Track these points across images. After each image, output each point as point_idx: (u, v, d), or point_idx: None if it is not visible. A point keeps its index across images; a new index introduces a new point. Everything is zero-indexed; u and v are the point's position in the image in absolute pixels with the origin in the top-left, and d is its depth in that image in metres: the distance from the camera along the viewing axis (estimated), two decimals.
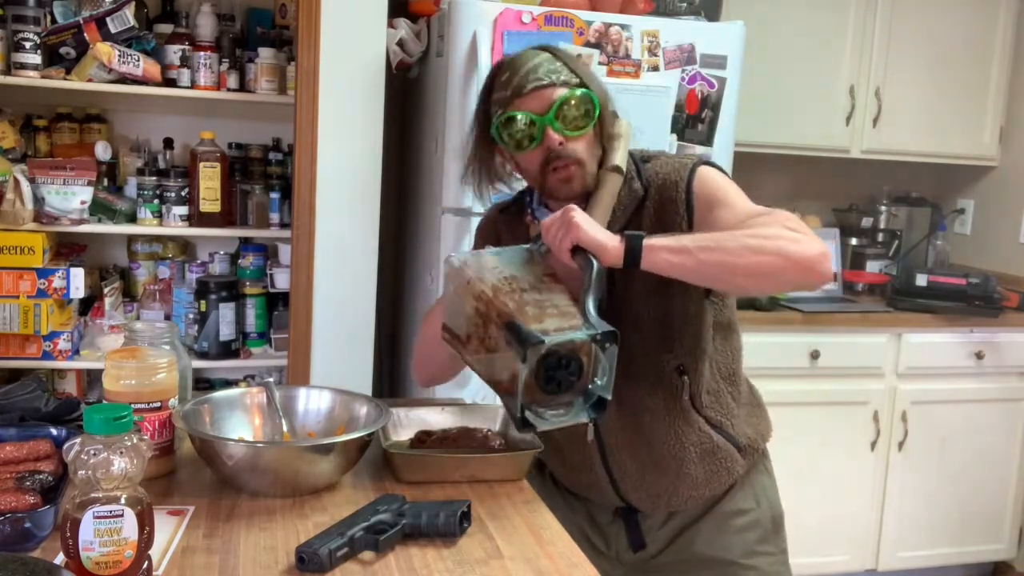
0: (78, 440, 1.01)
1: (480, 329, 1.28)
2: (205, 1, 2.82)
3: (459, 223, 2.47)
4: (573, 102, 1.40)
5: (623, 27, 2.48)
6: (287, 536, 1.22)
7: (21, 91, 2.71)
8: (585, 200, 1.42)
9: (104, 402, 1.35)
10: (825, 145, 3.31)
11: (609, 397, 1.26)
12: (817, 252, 1.28)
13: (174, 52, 2.78)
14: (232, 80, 2.82)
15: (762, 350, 2.79)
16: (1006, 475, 3.28)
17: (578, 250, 1.29)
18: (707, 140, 2.60)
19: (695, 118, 2.58)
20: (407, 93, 3.00)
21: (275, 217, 2.91)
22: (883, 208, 3.61)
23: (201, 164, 2.79)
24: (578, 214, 1.30)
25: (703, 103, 2.58)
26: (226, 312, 2.87)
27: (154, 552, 1.07)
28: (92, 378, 2.87)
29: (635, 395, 1.46)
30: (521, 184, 1.58)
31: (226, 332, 2.88)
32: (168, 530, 1.21)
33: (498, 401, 1.34)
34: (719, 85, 2.58)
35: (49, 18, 2.69)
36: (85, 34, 2.63)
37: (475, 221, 1.85)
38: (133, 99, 2.82)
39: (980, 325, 3.14)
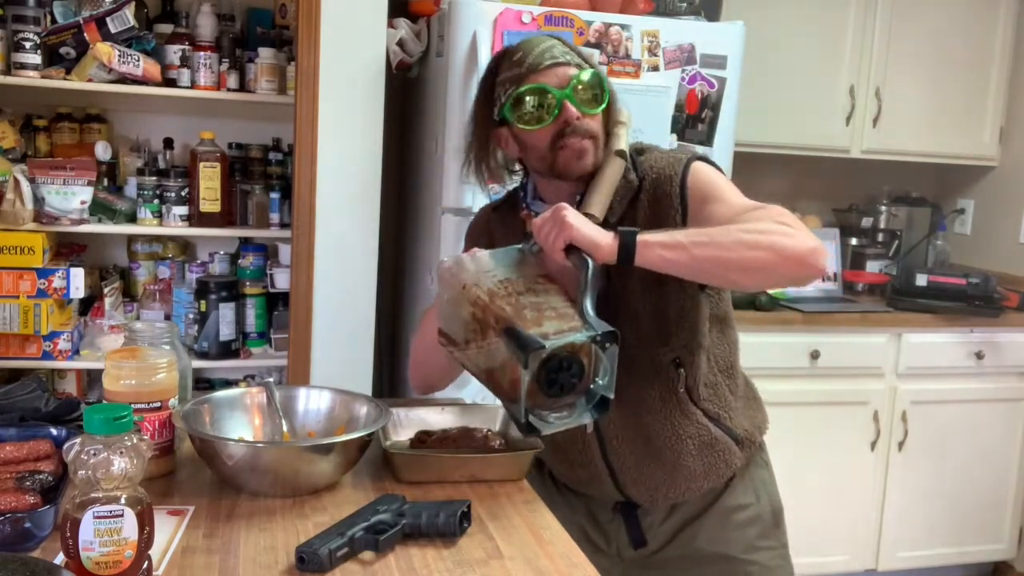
0: (78, 440, 1.01)
1: (478, 335, 1.27)
2: (205, 1, 2.82)
3: (459, 223, 2.47)
4: (589, 80, 1.42)
5: (623, 27, 2.48)
6: (287, 536, 1.21)
7: (21, 91, 2.71)
8: (584, 185, 1.43)
9: (104, 402, 1.34)
10: (825, 145, 3.31)
11: (611, 396, 1.25)
12: (810, 246, 1.28)
13: (174, 52, 2.78)
14: (232, 80, 2.82)
15: (762, 350, 2.79)
16: (1006, 475, 3.28)
17: (571, 249, 1.28)
18: (707, 140, 2.60)
19: (695, 118, 2.58)
20: (407, 93, 3.00)
21: (275, 217, 2.91)
22: (883, 208, 3.61)
23: (201, 164, 2.79)
24: (569, 212, 1.29)
25: (703, 103, 2.58)
26: (226, 312, 2.87)
27: (154, 552, 1.07)
28: (92, 378, 2.86)
29: (632, 388, 1.46)
30: (514, 183, 1.58)
31: (226, 332, 2.88)
32: (168, 530, 1.21)
33: (498, 401, 1.34)
34: (719, 85, 2.58)
35: (49, 18, 2.69)
36: (85, 34, 2.63)
37: None
38: (133, 99, 2.82)
39: (980, 325, 3.14)
